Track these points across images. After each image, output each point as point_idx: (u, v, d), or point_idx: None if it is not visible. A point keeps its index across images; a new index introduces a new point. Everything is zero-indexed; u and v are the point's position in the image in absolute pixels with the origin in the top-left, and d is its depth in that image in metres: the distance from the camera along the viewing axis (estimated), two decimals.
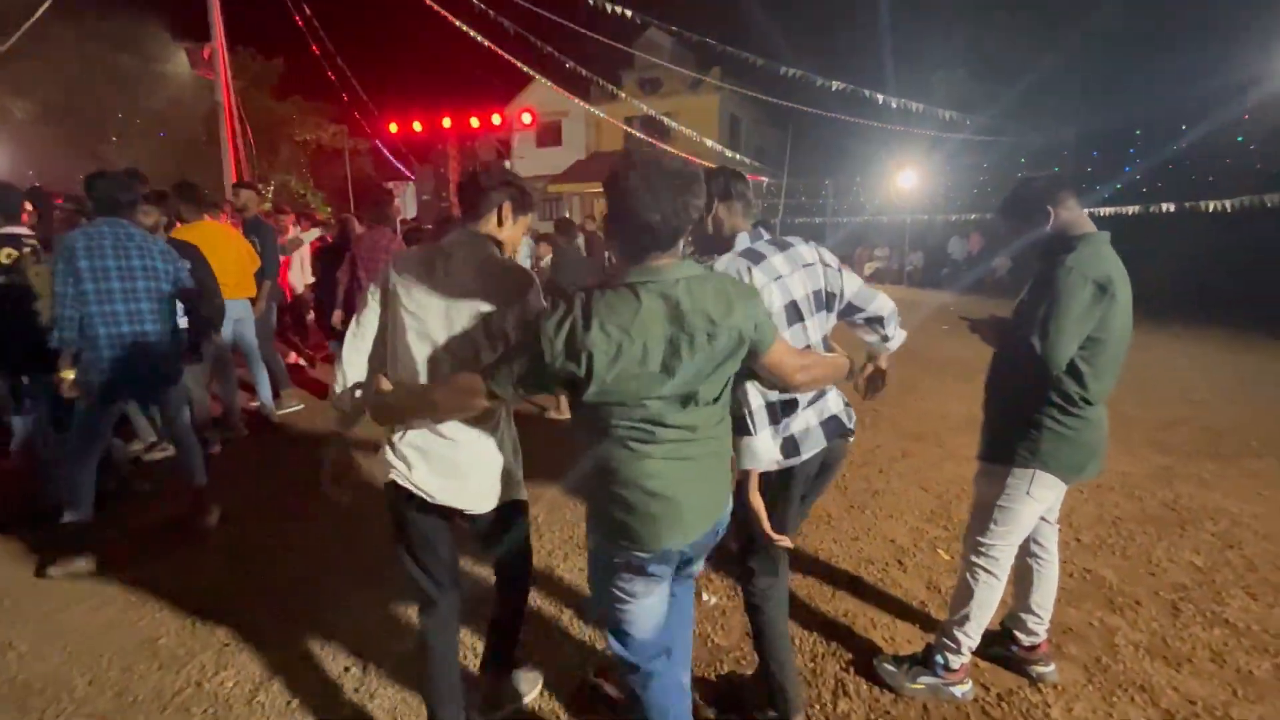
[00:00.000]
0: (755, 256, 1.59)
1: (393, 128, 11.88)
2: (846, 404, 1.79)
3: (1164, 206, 9.30)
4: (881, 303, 1.75)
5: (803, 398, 1.64)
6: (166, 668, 2.10)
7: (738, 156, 16.01)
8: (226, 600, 2.48)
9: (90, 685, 2.02)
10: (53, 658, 2.14)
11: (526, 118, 10.83)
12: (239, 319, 4.25)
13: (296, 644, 2.21)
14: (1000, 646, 2.11)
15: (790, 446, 1.63)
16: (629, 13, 9.01)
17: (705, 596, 2.52)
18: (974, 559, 1.92)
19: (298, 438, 4.45)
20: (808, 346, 1.61)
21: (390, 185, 21.15)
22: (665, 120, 14.89)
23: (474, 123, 10.92)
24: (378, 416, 1.46)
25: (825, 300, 1.68)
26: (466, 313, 1.48)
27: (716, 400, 1.32)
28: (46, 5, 9.67)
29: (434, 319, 1.48)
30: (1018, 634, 2.07)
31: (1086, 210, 1.80)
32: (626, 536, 1.29)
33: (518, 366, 1.23)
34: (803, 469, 1.67)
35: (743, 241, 1.64)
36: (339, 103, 16.87)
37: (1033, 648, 2.06)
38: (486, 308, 1.47)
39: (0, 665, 2.11)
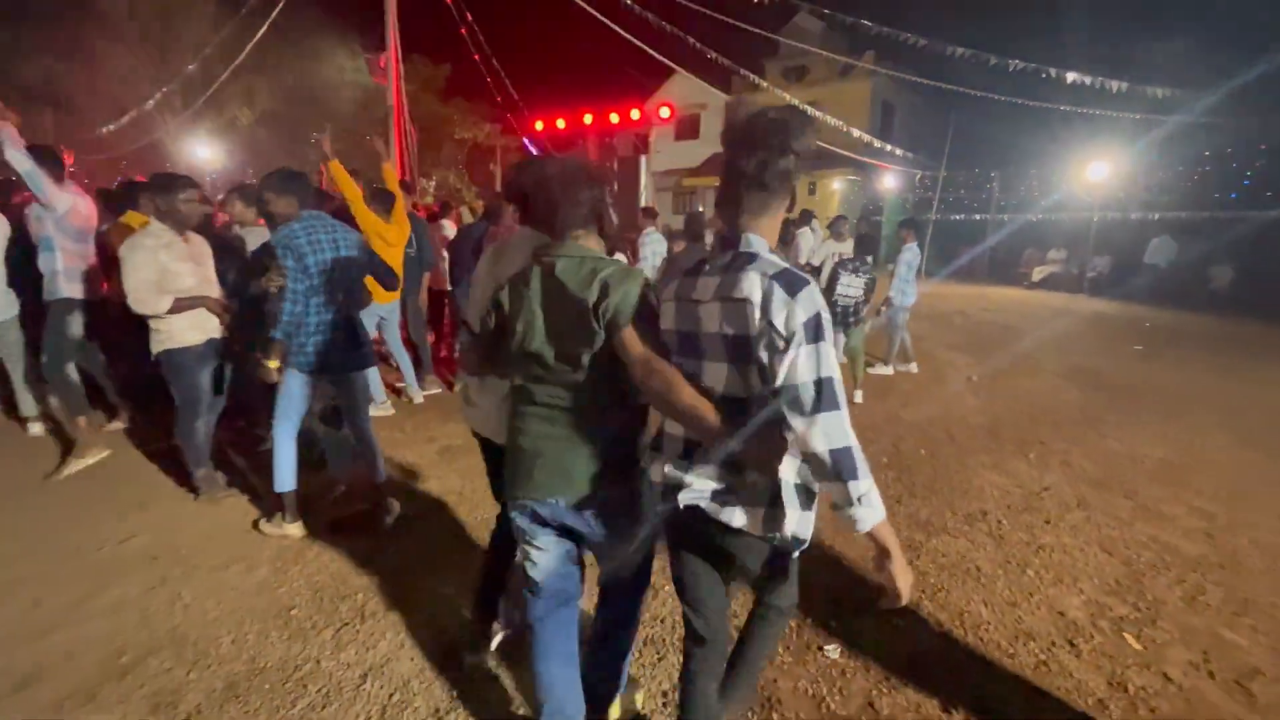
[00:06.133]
0: (693, 270, 1.38)
1: (538, 125, 12.39)
2: (727, 494, 1.31)
3: None
4: (813, 433, 1.16)
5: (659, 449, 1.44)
6: (295, 639, 2.25)
7: (886, 147, 14.74)
8: (355, 576, 2.63)
9: (232, 644, 2.22)
10: (209, 613, 2.40)
11: (664, 112, 10.74)
12: (384, 315, 4.66)
13: (412, 628, 2.28)
14: None
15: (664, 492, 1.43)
16: None
17: (827, 648, 2.23)
18: None
19: (435, 418, 4.73)
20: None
21: None
22: (808, 110, 14.07)
23: (614, 118, 11.05)
24: None
25: (748, 352, 1.23)
26: None
27: (581, 374, 1.40)
28: (265, 28, 11.32)
29: None
30: None
31: None
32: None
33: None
34: (676, 524, 1.43)
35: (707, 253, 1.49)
36: (494, 103, 18.06)
37: None
38: None
39: (168, 614, 2.40)
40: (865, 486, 1.16)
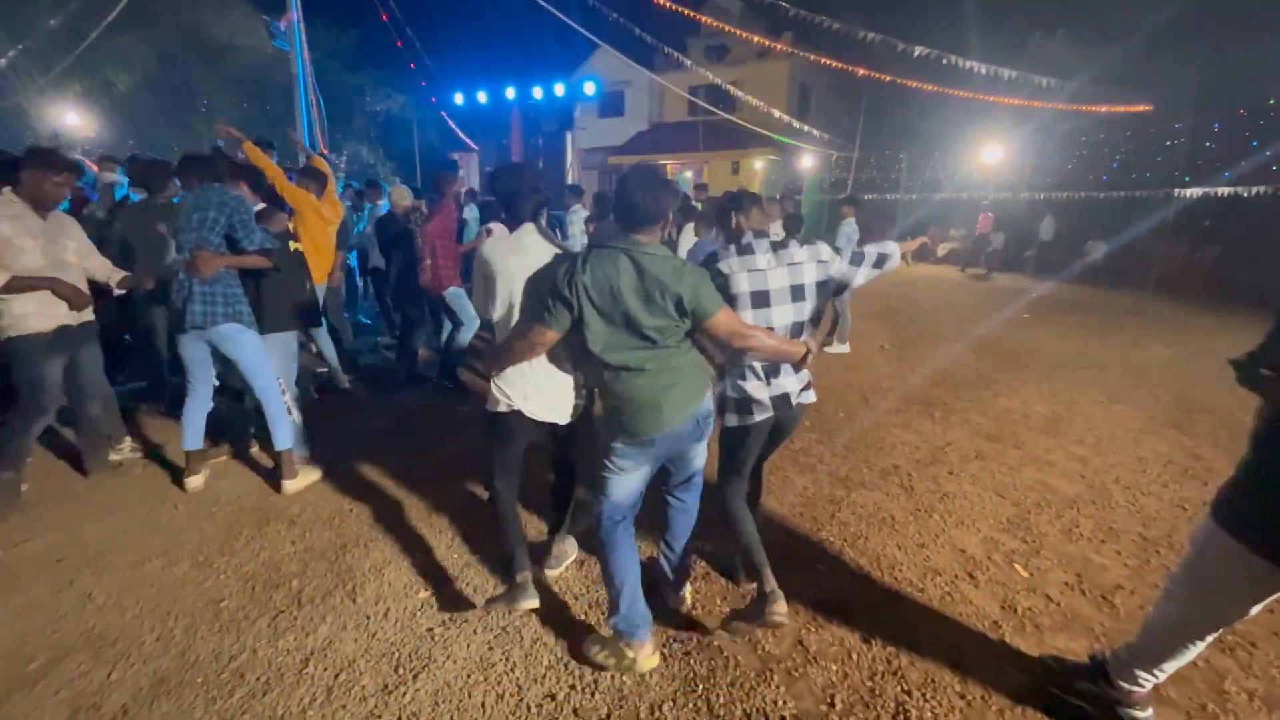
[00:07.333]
0: (743, 250, 2.12)
1: (458, 99, 11.95)
2: (805, 387, 2.20)
3: None
4: (860, 276, 2.26)
5: (756, 377, 2.11)
6: (227, 630, 2.17)
7: (805, 128, 15.26)
8: (287, 564, 2.55)
9: (158, 641, 2.12)
10: (127, 611, 2.26)
11: (589, 88, 10.61)
12: None
13: (354, 610, 2.25)
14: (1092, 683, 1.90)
15: (745, 408, 2.11)
16: None
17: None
18: None
19: (363, 400, 4.57)
20: (770, 329, 2.06)
21: (455, 156, 21.41)
22: (731, 90, 14.37)
23: (537, 93, 10.81)
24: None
25: (804, 293, 2.14)
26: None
27: (672, 344, 1.80)
28: None
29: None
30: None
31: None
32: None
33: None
34: (756, 428, 2.14)
35: (744, 239, 2.14)
36: (408, 74, 17.16)
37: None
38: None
39: (79, 615, 2.25)
40: (886, 252, 2.28)
